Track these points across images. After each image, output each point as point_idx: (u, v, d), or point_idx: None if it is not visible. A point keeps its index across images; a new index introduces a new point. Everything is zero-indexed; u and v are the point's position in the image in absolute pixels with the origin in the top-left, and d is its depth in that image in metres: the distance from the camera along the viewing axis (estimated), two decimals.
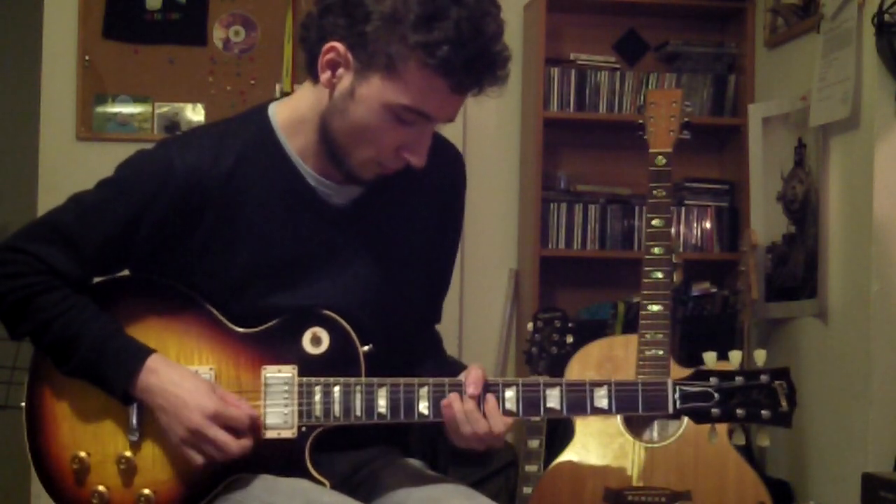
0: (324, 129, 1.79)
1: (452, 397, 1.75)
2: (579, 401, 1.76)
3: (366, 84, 1.72)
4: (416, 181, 1.89)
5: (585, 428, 2.82)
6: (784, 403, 1.74)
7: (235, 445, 1.75)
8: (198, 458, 1.76)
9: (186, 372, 1.79)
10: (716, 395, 1.75)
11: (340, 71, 1.74)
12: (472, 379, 1.76)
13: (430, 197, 1.94)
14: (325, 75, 1.76)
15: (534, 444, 2.89)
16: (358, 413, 1.77)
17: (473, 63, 1.68)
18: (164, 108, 4.19)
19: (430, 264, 1.97)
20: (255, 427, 1.78)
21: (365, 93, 1.72)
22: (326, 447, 1.83)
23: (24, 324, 1.82)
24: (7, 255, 1.83)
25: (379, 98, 1.71)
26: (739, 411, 1.75)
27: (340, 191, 1.86)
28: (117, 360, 1.78)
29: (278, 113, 1.87)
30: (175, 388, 1.76)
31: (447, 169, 1.98)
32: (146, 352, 1.79)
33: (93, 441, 1.82)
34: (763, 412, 1.75)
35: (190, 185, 1.79)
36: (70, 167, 4.02)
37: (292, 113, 1.85)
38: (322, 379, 1.79)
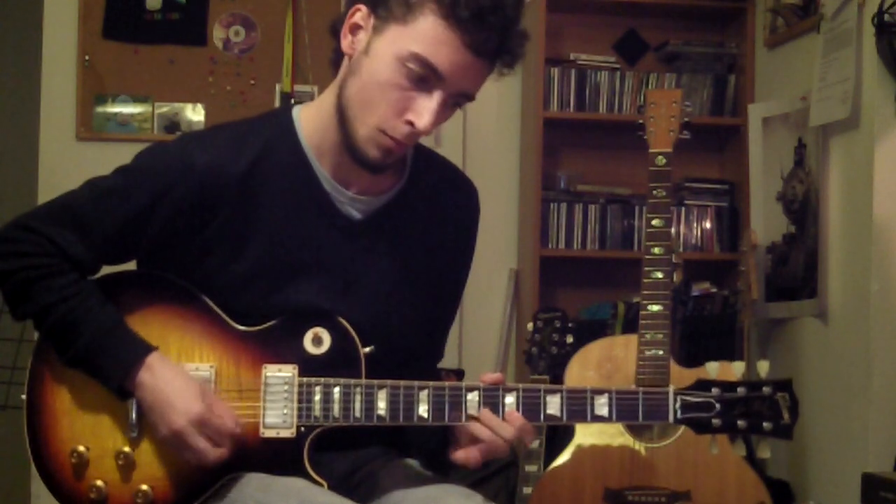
0: (339, 102, 1.79)
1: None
2: (580, 408, 1.76)
3: (380, 38, 1.74)
4: (431, 207, 1.91)
5: (585, 428, 2.82)
6: (786, 416, 1.72)
7: (212, 454, 1.75)
8: (188, 456, 1.76)
9: (181, 372, 1.79)
10: (717, 405, 1.74)
11: (360, 34, 1.77)
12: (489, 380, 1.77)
13: (442, 225, 1.94)
14: (346, 41, 1.79)
15: (534, 444, 2.89)
16: (357, 414, 1.77)
17: (484, 17, 1.69)
18: (164, 108, 4.19)
19: (435, 290, 1.96)
20: (236, 437, 1.78)
21: (379, 46, 1.74)
22: (326, 447, 1.83)
23: (29, 304, 1.82)
24: (19, 234, 1.82)
25: (391, 49, 1.72)
26: (741, 422, 1.74)
27: (354, 201, 1.86)
28: (117, 353, 1.78)
29: (302, 114, 1.88)
30: (166, 386, 1.76)
31: (464, 203, 1.99)
32: (147, 348, 1.79)
33: (92, 436, 1.82)
34: (765, 424, 1.73)
35: (208, 181, 1.80)
36: (70, 167, 4.02)
37: (315, 112, 1.86)
38: (322, 379, 1.79)
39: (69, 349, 1.79)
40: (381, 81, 1.73)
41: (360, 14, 1.78)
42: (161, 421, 1.76)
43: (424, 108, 1.74)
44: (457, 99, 1.77)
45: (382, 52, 1.73)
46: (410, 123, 1.74)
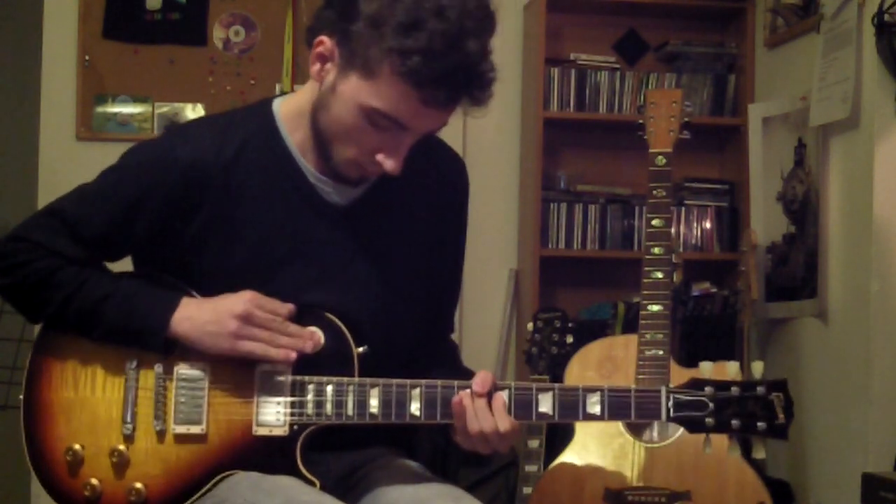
0: (314, 122, 1.80)
1: (463, 394, 1.75)
2: (571, 406, 1.75)
3: (345, 81, 1.73)
4: (418, 186, 1.91)
5: (585, 428, 2.81)
6: (781, 416, 1.71)
7: (285, 323, 1.77)
8: (256, 348, 1.76)
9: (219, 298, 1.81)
10: (711, 404, 1.73)
11: (328, 65, 1.77)
12: (479, 379, 1.76)
13: (431, 203, 1.95)
14: (314, 67, 1.78)
15: (534, 444, 2.89)
16: (350, 413, 1.77)
17: (444, 78, 1.67)
18: (164, 108, 4.19)
19: (431, 271, 1.96)
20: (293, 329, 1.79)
21: (344, 89, 1.73)
22: (325, 448, 1.83)
23: (47, 305, 1.83)
24: (13, 246, 1.84)
25: (354, 97, 1.72)
26: (734, 422, 1.72)
27: (339, 189, 1.86)
28: (152, 307, 1.79)
29: (282, 107, 1.88)
30: (213, 302, 1.79)
31: (451, 177, 1.99)
32: (179, 292, 1.81)
33: (87, 434, 1.82)
34: (759, 424, 1.72)
35: (191, 174, 1.81)
36: (70, 167, 4.01)
37: (294, 107, 1.87)
38: (315, 378, 1.79)
39: (100, 325, 1.80)
40: (348, 126, 1.75)
41: (325, 47, 1.76)
42: (224, 319, 1.76)
43: (394, 151, 1.75)
44: (426, 135, 1.79)
45: (347, 98, 1.73)
46: (380, 163, 1.76)
